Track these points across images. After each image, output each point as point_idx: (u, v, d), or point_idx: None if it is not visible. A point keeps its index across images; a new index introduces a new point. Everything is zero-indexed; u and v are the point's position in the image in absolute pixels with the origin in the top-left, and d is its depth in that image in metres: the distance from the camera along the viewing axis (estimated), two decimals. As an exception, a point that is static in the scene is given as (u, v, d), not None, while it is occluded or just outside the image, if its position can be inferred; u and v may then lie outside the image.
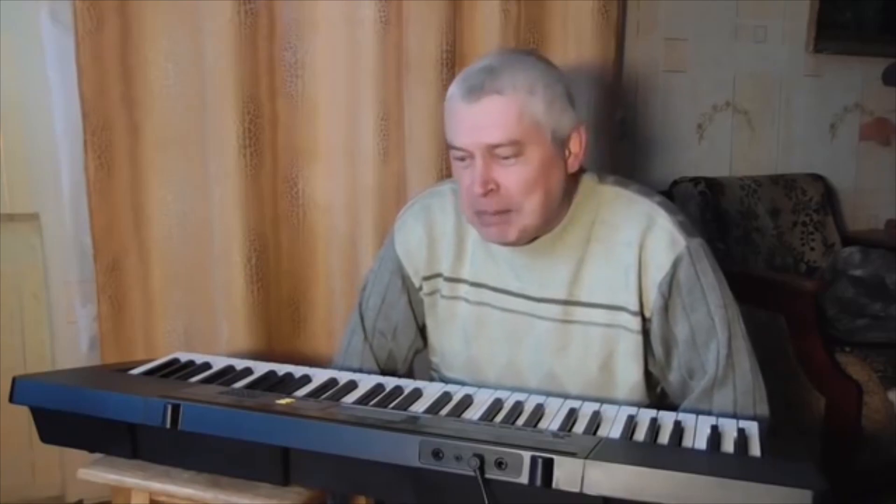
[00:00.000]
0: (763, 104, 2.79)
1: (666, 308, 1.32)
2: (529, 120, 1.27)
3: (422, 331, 1.54)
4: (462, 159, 1.30)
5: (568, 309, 1.37)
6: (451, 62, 1.96)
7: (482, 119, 1.26)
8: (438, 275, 1.47)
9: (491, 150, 1.27)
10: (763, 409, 1.33)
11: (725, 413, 1.29)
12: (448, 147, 1.33)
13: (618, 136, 2.41)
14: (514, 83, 1.27)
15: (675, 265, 1.31)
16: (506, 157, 1.27)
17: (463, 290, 1.45)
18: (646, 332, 1.35)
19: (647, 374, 1.38)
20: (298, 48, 1.97)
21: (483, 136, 1.26)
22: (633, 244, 1.33)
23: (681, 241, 1.32)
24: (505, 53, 1.40)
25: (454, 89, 1.31)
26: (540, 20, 2.12)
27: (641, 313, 1.34)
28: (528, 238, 1.34)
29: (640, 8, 2.53)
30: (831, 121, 2.91)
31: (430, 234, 1.47)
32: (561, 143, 1.32)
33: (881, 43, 2.86)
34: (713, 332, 1.32)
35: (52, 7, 1.90)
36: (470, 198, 1.31)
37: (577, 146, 1.34)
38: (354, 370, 1.47)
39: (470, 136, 1.27)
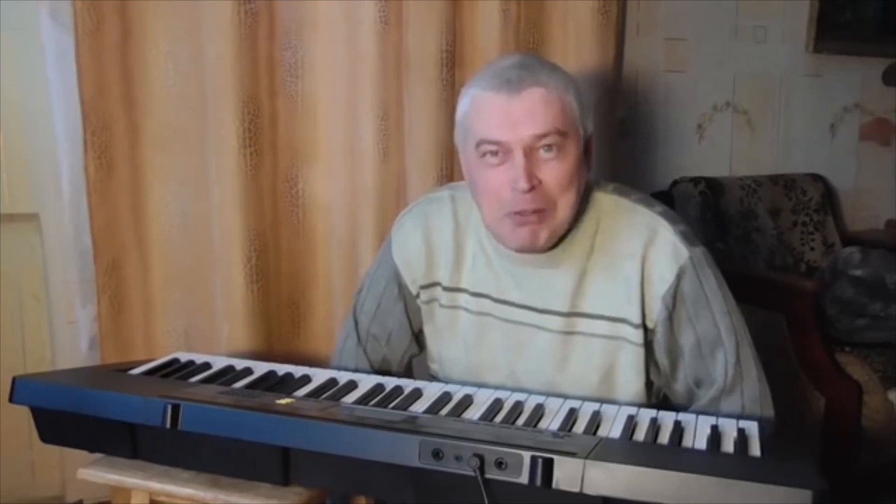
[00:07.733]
0: (763, 104, 2.78)
1: (670, 319, 1.31)
2: (570, 112, 1.26)
3: (417, 337, 1.52)
4: (495, 154, 1.26)
5: (571, 320, 1.35)
6: (451, 62, 1.96)
7: (525, 111, 1.23)
8: (436, 283, 1.45)
9: (533, 143, 1.23)
10: (769, 415, 1.33)
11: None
12: (477, 144, 1.27)
13: (618, 136, 2.41)
14: (552, 78, 1.26)
15: (679, 277, 1.30)
16: (547, 150, 1.24)
17: (463, 299, 1.42)
18: (648, 344, 1.33)
19: (648, 385, 1.37)
20: (298, 48, 1.97)
21: (527, 128, 1.23)
22: (636, 256, 1.31)
23: (684, 252, 1.30)
24: (526, 55, 1.39)
25: (483, 86, 1.27)
26: (540, 20, 2.12)
27: (644, 325, 1.32)
28: (551, 245, 1.30)
29: (640, 8, 2.52)
30: (831, 121, 2.91)
31: (429, 242, 1.44)
32: (585, 146, 1.30)
33: (881, 43, 2.86)
34: (719, 340, 1.31)
35: (52, 7, 1.90)
36: (506, 197, 1.26)
37: (591, 153, 1.33)
38: (349, 371, 1.46)
39: (511, 129, 1.23)
